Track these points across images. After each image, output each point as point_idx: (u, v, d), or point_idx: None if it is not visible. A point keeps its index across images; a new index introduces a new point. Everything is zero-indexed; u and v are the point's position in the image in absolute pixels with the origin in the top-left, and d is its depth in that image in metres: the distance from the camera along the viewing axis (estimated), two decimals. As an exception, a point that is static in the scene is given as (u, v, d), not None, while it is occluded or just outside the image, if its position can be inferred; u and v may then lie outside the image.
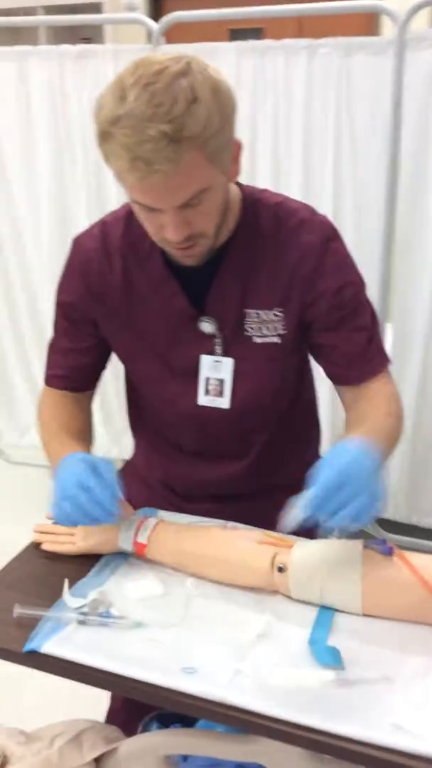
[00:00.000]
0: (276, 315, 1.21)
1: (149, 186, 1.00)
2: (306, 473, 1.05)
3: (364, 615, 1.08)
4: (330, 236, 1.20)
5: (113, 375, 1.51)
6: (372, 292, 2.09)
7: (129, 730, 1.29)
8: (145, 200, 1.03)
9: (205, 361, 1.23)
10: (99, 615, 1.08)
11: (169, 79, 0.95)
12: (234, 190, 1.20)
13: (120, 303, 1.25)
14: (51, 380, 1.38)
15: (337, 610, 1.10)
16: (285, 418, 1.35)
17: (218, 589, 1.15)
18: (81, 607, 1.09)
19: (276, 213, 1.20)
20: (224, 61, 2.20)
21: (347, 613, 1.09)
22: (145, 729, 1.57)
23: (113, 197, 2.53)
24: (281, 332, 1.22)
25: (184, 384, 1.27)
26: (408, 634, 1.05)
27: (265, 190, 1.24)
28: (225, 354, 1.23)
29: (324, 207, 2.20)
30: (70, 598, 1.11)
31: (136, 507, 1.29)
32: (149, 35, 2.27)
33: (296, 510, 1.02)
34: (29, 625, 1.06)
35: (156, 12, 4.75)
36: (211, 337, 1.23)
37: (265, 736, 0.93)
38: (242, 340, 1.23)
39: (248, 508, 1.32)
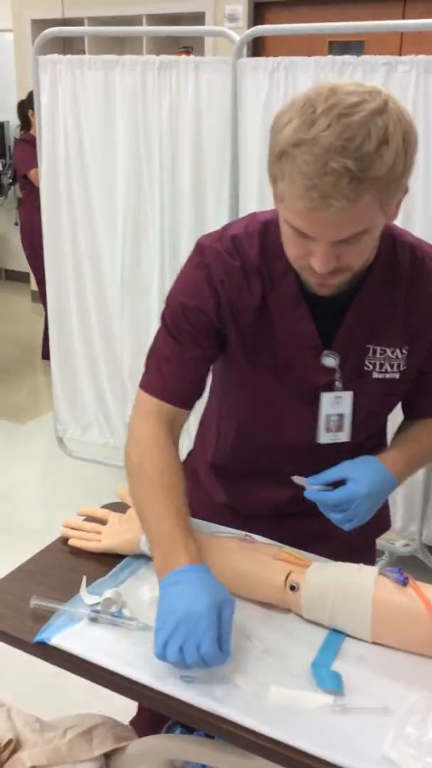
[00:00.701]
0: (402, 353, 1.20)
1: (316, 217, 0.96)
2: None
3: (373, 642, 1.07)
4: None
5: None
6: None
7: (155, 728, 1.31)
8: (305, 228, 1.00)
9: (326, 398, 1.21)
10: (110, 614, 1.10)
11: (365, 114, 0.91)
12: None
13: (252, 320, 1.19)
14: (163, 392, 1.22)
15: (346, 635, 1.08)
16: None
17: (232, 601, 1.16)
18: (95, 604, 1.12)
19: (413, 252, 1.18)
20: (303, 74, 2.20)
21: (356, 639, 1.08)
22: (168, 731, 1.59)
23: (186, 208, 2.57)
24: (403, 369, 1.21)
25: (298, 409, 1.23)
26: (415, 666, 1.03)
27: (396, 227, 1.19)
28: (344, 388, 1.21)
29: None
30: (86, 595, 1.14)
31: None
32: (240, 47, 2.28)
33: (312, 490, 1.21)
34: (44, 617, 1.10)
35: (257, 24, 4.79)
36: (332, 371, 1.20)
37: (252, 752, 0.93)
38: (361, 374, 1.20)
39: (304, 525, 1.30)
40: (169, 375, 1.22)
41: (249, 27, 4.75)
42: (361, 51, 4.39)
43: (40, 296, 4.54)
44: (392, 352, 1.19)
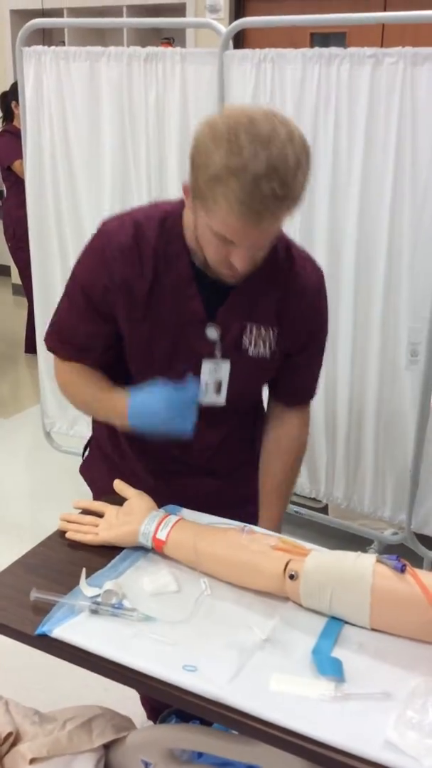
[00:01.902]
0: (273, 331, 1.36)
1: (247, 231, 1.13)
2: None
3: (372, 629, 1.08)
4: (323, 286, 1.41)
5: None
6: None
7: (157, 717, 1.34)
8: (234, 238, 1.16)
9: (206, 365, 1.36)
10: (111, 606, 1.11)
11: (281, 144, 1.08)
12: None
13: (144, 297, 1.33)
14: (65, 352, 1.44)
15: (345, 622, 1.10)
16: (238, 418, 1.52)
17: (231, 591, 1.17)
18: (95, 596, 1.13)
19: (288, 248, 1.36)
20: (290, 66, 2.20)
21: (355, 625, 1.09)
22: (164, 721, 1.60)
23: (173, 195, 2.56)
24: (273, 349, 1.37)
25: (186, 373, 1.36)
26: (415, 652, 1.05)
27: None
28: (223, 357, 1.36)
29: (382, 216, 2.19)
30: (86, 587, 1.15)
31: (100, 485, 1.47)
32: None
33: None
34: (44, 609, 1.10)
35: (238, 16, 4.78)
36: (213, 343, 1.35)
37: (256, 739, 0.94)
38: (238, 348, 1.36)
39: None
40: (74, 332, 1.41)
41: (230, 18, 4.73)
42: (343, 42, 4.40)
43: (24, 289, 4.51)
44: (265, 330, 1.36)
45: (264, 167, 1.06)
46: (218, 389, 1.38)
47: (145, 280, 1.31)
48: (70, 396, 1.47)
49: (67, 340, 1.43)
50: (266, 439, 1.52)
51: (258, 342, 1.36)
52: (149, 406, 1.31)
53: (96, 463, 1.61)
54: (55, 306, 3.10)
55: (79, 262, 1.40)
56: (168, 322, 1.34)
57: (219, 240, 1.18)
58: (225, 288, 1.32)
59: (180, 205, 1.32)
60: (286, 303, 1.35)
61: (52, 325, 1.45)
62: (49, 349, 1.47)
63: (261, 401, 1.58)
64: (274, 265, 1.32)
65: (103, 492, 1.42)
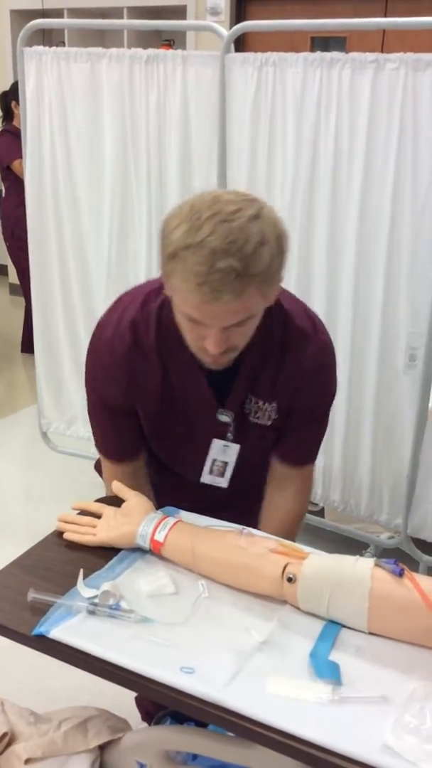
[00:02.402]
0: (272, 407, 1.37)
1: (207, 309, 1.11)
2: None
3: (370, 633, 1.08)
4: (326, 354, 1.38)
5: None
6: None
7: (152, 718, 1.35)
8: (198, 317, 1.14)
9: (216, 444, 1.39)
10: (108, 607, 1.11)
11: (243, 221, 1.07)
12: None
13: (157, 390, 1.35)
14: (111, 455, 1.46)
15: (343, 626, 1.10)
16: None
17: (229, 593, 1.17)
18: (92, 597, 1.12)
19: (285, 324, 1.33)
20: (292, 70, 2.21)
21: (353, 629, 1.09)
22: (159, 723, 1.60)
23: (173, 202, 2.57)
24: (274, 418, 1.38)
25: (201, 455, 1.41)
26: (413, 656, 1.05)
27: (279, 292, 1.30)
28: (235, 440, 1.38)
29: (382, 221, 2.19)
30: (83, 588, 1.15)
31: None
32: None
33: None
34: (41, 610, 1.10)
35: (239, 18, 4.79)
36: (226, 425, 1.38)
37: (253, 741, 0.94)
38: (243, 421, 1.37)
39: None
40: (112, 440, 1.45)
41: (231, 21, 4.74)
42: (343, 46, 4.41)
43: (22, 289, 4.51)
44: (264, 405, 1.37)
45: (221, 242, 1.05)
46: (222, 472, 1.40)
47: (155, 375, 1.33)
48: None
49: (110, 449, 1.46)
50: (265, 502, 1.49)
51: (258, 413, 1.37)
52: None
53: None
54: (53, 307, 3.10)
55: (89, 378, 1.43)
56: (181, 410, 1.37)
57: (189, 322, 1.17)
58: (229, 372, 1.31)
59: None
60: (283, 381, 1.35)
61: (96, 443, 1.49)
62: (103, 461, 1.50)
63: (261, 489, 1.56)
64: (269, 345, 1.32)
65: None
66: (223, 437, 1.38)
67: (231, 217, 1.07)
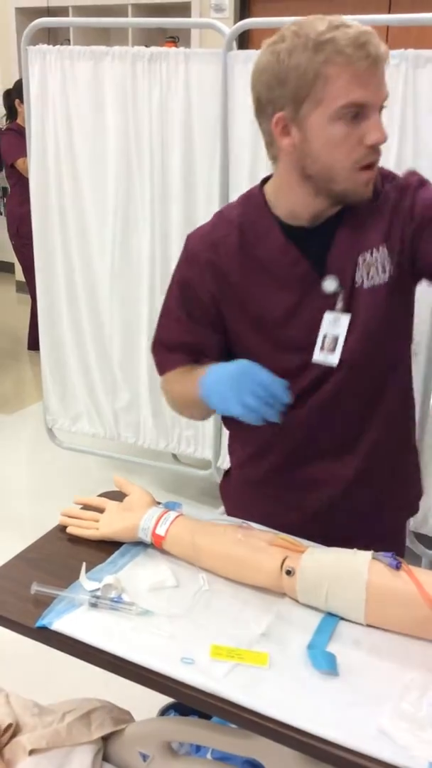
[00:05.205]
0: (383, 252, 1.26)
1: (371, 73, 1.13)
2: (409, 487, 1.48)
3: (368, 625, 1.10)
4: (422, 179, 1.28)
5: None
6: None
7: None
8: (361, 93, 1.13)
9: (327, 317, 1.28)
10: (110, 600, 1.13)
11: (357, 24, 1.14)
12: None
13: (239, 277, 1.29)
14: (175, 352, 1.39)
15: (341, 618, 1.11)
16: (387, 414, 1.38)
17: (229, 586, 1.19)
18: (95, 590, 1.14)
19: (385, 172, 1.28)
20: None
21: (351, 621, 1.11)
22: (163, 715, 1.62)
23: (176, 198, 2.59)
24: (390, 273, 1.26)
25: (296, 358, 1.31)
26: (410, 648, 1.06)
27: None
28: (345, 310, 1.27)
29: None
30: (86, 581, 1.16)
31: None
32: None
33: None
34: (45, 603, 1.12)
35: (243, 16, 4.79)
36: (335, 294, 1.27)
37: (252, 731, 0.95)
38: (354, 291, 1.27)
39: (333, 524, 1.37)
40: (176, 345, 1.38)
41: (235, 18, 4.74)
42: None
43: (28, 286, 4.53)
44: (375, 253, 1.26)
45: (353, 29, 1.12)
46: (333, 347, 1.29)
47: (236, 258, 1.29)
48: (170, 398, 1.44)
49: (174, 349, 1.39)
50: None
51: (371, 271, 1.26)
52: (219, 373, 1.23)
53: (236, 483, 1.54)
54: (58, 304, 3.09)
55: (173, 279, 1.38)
56: (273, 302, 1.29)
57: (347, 123, 1.14)
58: (323, 237, 1.26)
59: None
60: (388, 212, 1.25)
61: (157, 341, 1.43)
62: (157, 363, 1.44)
63: (410, 395, 1.46)
64: (374, 194, 1.25)
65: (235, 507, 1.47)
66: (333, 308, 1.28)
67: (345, 22, 1.14)
